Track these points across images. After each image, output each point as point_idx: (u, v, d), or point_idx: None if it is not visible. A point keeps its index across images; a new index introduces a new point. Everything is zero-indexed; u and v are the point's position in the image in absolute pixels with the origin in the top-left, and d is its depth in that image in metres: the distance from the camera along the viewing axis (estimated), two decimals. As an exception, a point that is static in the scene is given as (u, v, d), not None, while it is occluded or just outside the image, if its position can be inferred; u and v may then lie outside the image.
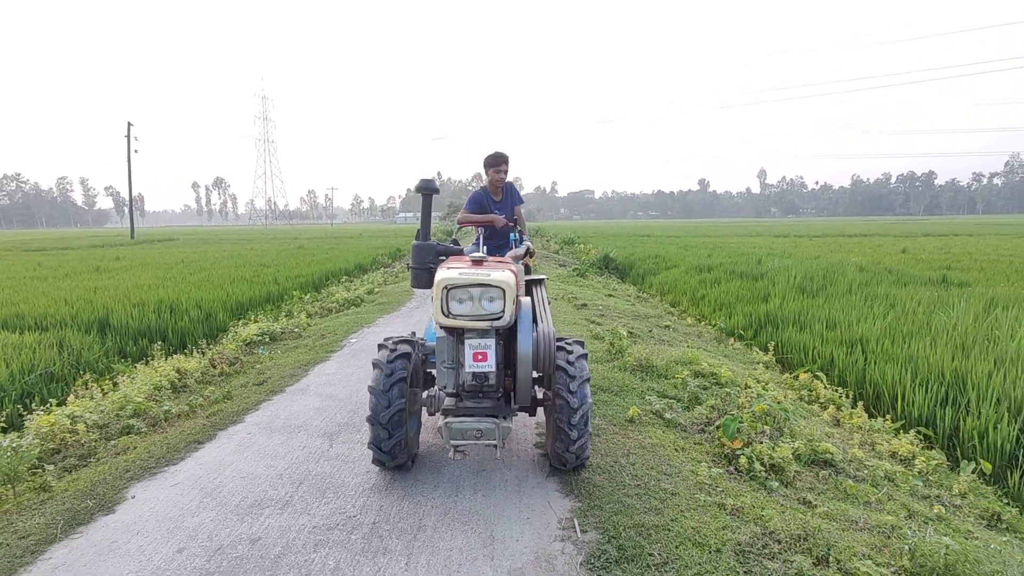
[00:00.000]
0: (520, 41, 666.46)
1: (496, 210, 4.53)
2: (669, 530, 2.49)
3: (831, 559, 2.29)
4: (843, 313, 8.13)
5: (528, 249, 4.16)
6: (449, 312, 2.67)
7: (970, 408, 4.81)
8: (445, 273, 2.72)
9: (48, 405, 4.39)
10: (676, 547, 2.37)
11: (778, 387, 5.47)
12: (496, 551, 2.36)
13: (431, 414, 3.07)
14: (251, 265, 16.21)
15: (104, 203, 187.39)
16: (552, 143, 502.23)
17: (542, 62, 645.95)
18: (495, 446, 2.77)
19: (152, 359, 6.64)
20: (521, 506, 2.75)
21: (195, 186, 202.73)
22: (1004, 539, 2.79)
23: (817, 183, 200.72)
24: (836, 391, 5.63)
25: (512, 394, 2.97)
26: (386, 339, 3.07)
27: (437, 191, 3.14)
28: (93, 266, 16.59)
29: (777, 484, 3.07)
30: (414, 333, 3.27)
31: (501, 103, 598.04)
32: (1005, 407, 4.64)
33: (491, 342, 2.75)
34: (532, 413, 3.33)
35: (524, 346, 2.81)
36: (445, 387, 2.95)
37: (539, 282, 3.66)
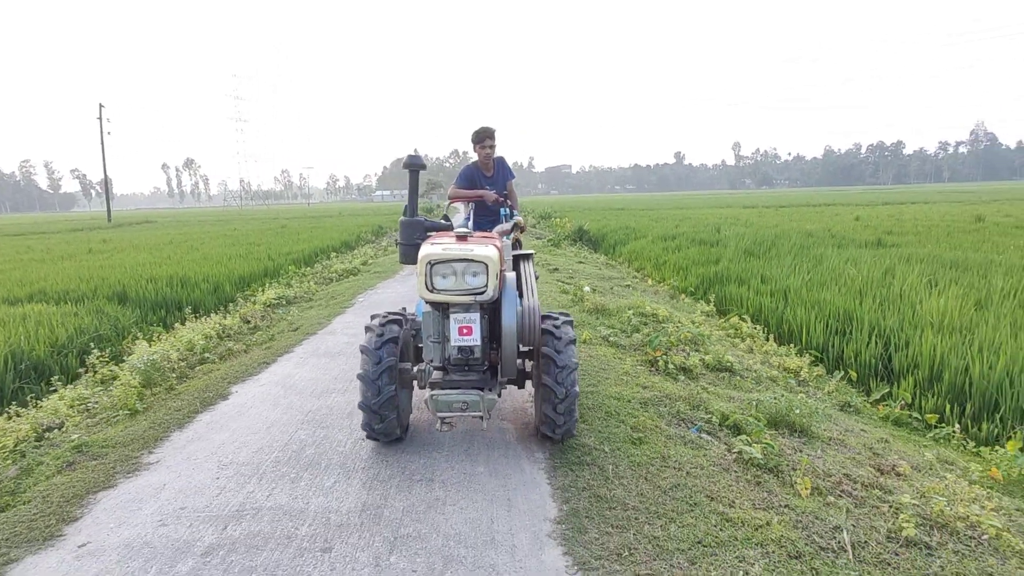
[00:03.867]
0: (496, 14, 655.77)
1: (487, 185, 4.60)
2: (598, 391, 3.77)
3: (702, 407, 3.60)
4: (778, 271, 9.48)
5: (517, 223, 4.21)
6: (433, 287, 2.73)
7: (852, 336, 6.19)
8: (429, 248, 2.78)
9: (105, 357, 5.52)
10: (602, 399, 3.66)
11: (710, 327, 6.80)
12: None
13: (421, 387, 3.13)
14: (240, 243, 17.04)
15: (69, 186, 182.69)
16: (529, 118, 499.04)
17: (519, 35, 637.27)
18: (481, 417, 2.81)
19: (185, 321, 7.73)
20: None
21: (165, 167, 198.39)
22: (817, 397, 4.15)
23: (790, 154, 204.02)
24: (756, 328, 6.98)
25: (498, 367, 3.03)
26: (373, 317, 3.16)
27: (424, 167, 3.16)
28: (84, 248, 17.23)
29: (683, 378, 4.37)
30: (404, 309, 3.38)
31: (477, 78, 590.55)
32: (875, 334, 6.02)
33: (475, 316, 2.80)
34: (520, 385, 3.38)
35: (508, 320, 2.90)
36: (432, 361, 3.00)
37: (527, 257, 3.73)
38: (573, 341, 2.97)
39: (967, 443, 4.35)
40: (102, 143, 44.82)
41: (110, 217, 44.83)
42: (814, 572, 2.08)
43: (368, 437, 3.11)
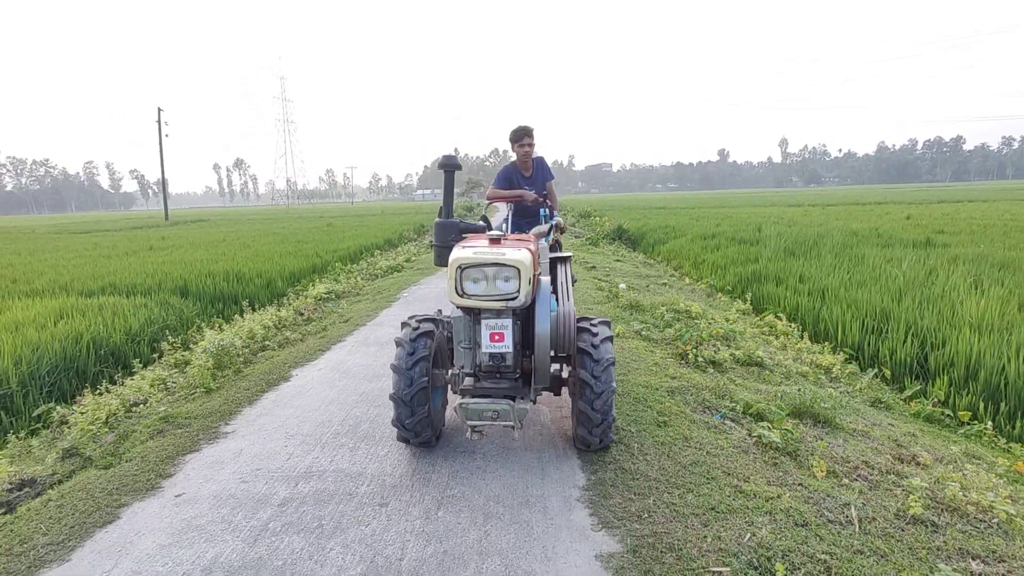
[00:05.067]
0: (537, 16, 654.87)
1: (526, 185, 4.52)
2: (628, 380, 4.01)
3: (728, 396, 3.80)
4: (817, 270, 9.47)
5: (556, 225, 4.11)
6: (464, 292, 2.66)
7: (888, 335, 6.22)
8: (459, 252, 2.71)
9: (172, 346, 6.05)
10: (631, 387, 3.90)
11: (744, 324, 6.91)
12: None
13: (455, 392, 3.06)
14: (289, 241, 17.80)
15: (129, 186, 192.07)
16: (569, 116, 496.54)
17: (561, 33, 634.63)
18: (512, 427, 2.72)
19: (243, 313, 8.29)
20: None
21: (216, 167, 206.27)
22: (847, 393, 4.28)
23: (840, 151, 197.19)
24: (791, 326, 7.06)
25: (531, 374, 2.93)
26: (410, 317, 3.10)
27: (459, 167, 3.11)
28: (146, 245, 18.27)
29: (712, 370, 4.56)
30: (440, 311, 3.32)
31: (517, 77, 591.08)
32: (912, 333, 6.04)
33: (507, 322, 2.74)
34: (556, 392, 3.23)
35: (542, 326, 2.79)
36: (464, 367, 2.95)
37: (564, 260, 3.64)
38: (612, 363, 2.85)
39: (998, 440, 4.40)
40: (160, 145, 47.03)
41: (167, 216, 47.10)
42: (819, 539, 2.29)
43: (399, 438, 3.06)
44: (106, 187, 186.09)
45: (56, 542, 2.34)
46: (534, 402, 2.93)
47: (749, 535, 2.25)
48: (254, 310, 8.45)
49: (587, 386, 2.79)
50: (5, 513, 2.77)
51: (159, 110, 46.91)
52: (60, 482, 3.06)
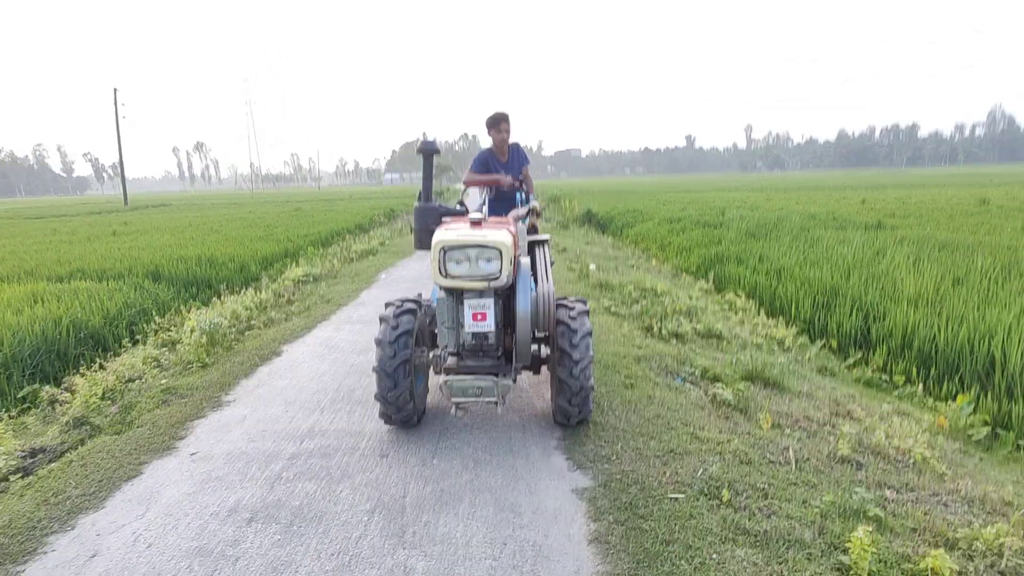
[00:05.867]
0: (509, 1, 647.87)
1: (502, 170, 4.59)
2: (598, 351, 4.37)
3: (688, 362, 4.21)
4: (775, 251, 10.01)
5: (533, 208, 4.20)
6: (447, 273, 2.74)
7: (836, 310, 6.75)
8: (442, 234, 2.78)
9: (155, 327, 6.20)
10: (601, 356, 4.28)
11: (706, 301, 7.37)
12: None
13: (436, 373, 3.13)
14: (258, 226, 17.65)
15: (82, 170, 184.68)
16: (538, 102, 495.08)
17: (528, 19, 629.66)
18: (495, 403, 2.82)
19: (220, 296, 8.40)
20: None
21: (175, 151, 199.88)
22: (797, 361, 4.74)
23: (803, 137, 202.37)
24: (750, 303, 7.55)
25: (513, 353, 3.04)
26: (387, 306, 3.18)
27: (438, 152, 3.14)
28: (108, 231, 17.86)
29: (675, 341, 4.97)
30: (420, 295, 3.38)
31: (488, 62, 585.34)
32: (857, 307, 6.57)
33: (489, 302, 2.81)
34: (536, 371, 3.37)
35: (523, 306, 2.91)
36: (447, 346, 3.03)
37: (542, 242, 3.73)
38: (589, 333, 2.96)
39: (927, 400, 4.93)
40: (117, 127, 45.53)
41: (127, 200, 45.74)
42: (760, 473, 2.69)
43: (380, 414, 3.12)
44: (57, 171, 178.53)
45: (88, 493, 2.59)
46: (515, 380, 3.02)
47: (702, 470, 2.63)
48: (231, 293, 8.56)
49: (566, 355, 2.89)
50: (24, 476, 2.99)
51: (115, 91, 45.34)
52: (71, 449, 3.28)
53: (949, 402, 4.70)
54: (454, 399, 2.83)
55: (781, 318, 7.03)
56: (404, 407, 3.00)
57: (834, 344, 6.16)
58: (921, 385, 5.09)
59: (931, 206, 18.16)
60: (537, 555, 2.08)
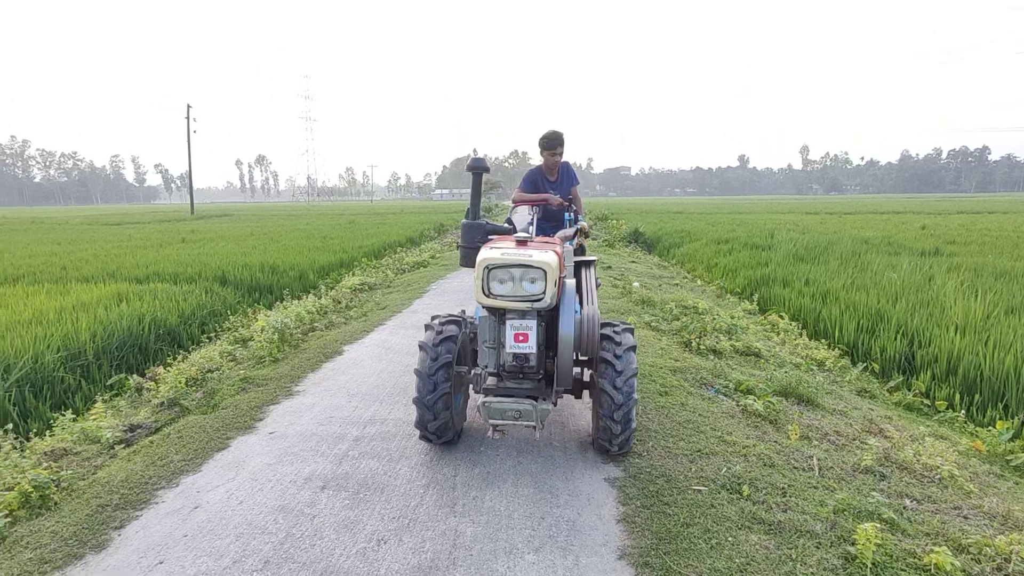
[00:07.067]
0: (560, 19, 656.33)
1: (551, 189, 4.57)
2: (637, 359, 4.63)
3: (723, 376, 4.41)
4: (822, 274, 9.98)
5: (581, 229, 4.17)
6: (490, 292, 2.72)
7: (880, 334, 6.75)
8: (487, 253, 2.77)
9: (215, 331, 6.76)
10: (639, 365, 4.48)
11: (748, 322, 7.48)
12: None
13: (476, 392, 3.05)
14: (315, 237, 18.53)
15: (152, 180, 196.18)
16: (588, 119, 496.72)
17: (580, 36, 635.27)
18: (534, 427, 2.76)
19: (283, 300, 9.02)
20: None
21: (238, 163, 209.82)
22: (836, 382, 4.85)
23: (863, 159, 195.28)
24: (792, 324, 7.60)
25: (554, 376, 2.96)
26: (433, 318, 3.18)
27: (488, 170, 3.13)
28: (177, 238, 19.06)
29: (712, 357, 5.16)
30: (463, 311, 3.39)
31: (538, 80, 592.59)
32: (902, 332, 6.57)
33: (532, 323, 2.77)
34: (578, 395, 3.28)
35: (566, 329, 2.82)
36: (487, 366, 2.99)
37: (589, 263, 3.67)
38: (633, 347, 2.92)
39: (968, 426, 4.93)
40: (188, 141, 48.41)
41: (193, 209, 48.45)
42: (782, 475, 2.89)
43: (421, 437, 3.12)
44: (131, 180, 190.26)
45: (187, 459, 3.04)
46: (555, 404, 2.97)
47: (725, 469, 2.87)
48: (292, 299, 9.17)
49: (607, 396, 2.82)
50: (126, 447, 3.48)
51: (188, 106, 48.29)
52: (164, 426, 3.76)
53: (990, 428, 4.70)
54: (492, 421, 2.79)
55: (823, 340, 7.07)
56: (441, 415, 2.98)
57: (876, 367, 6.18)
58: (964, 411, 5.09)
59: (996, 233, 17.48)
60: (571, 529, 2.37)
